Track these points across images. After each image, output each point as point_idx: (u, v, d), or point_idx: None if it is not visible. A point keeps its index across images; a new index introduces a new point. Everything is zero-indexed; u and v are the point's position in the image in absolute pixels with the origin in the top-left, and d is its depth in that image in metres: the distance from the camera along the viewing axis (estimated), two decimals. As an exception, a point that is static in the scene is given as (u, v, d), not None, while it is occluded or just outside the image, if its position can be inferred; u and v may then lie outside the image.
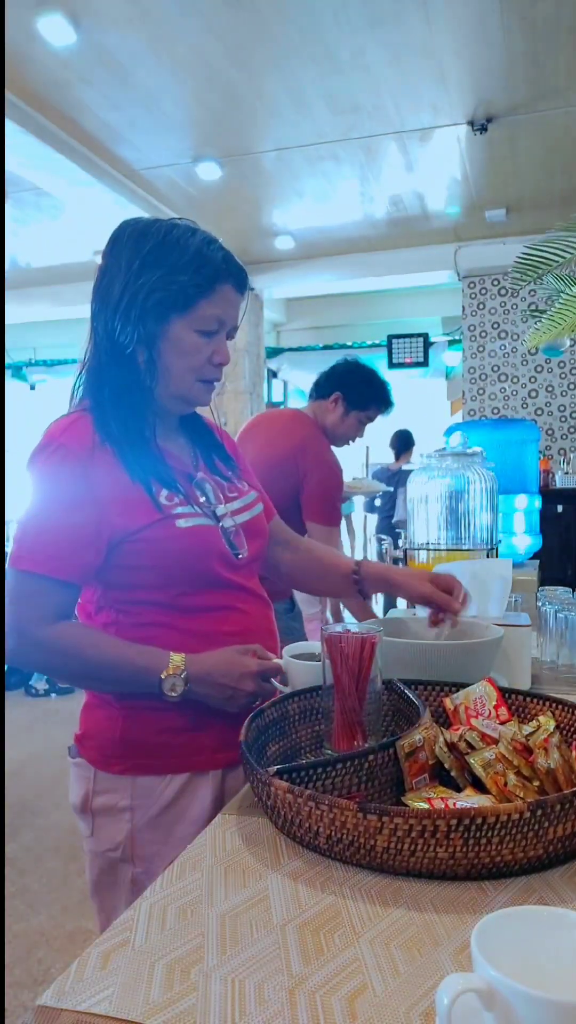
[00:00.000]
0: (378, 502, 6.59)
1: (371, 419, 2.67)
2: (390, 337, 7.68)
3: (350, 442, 2.68)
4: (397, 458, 6.67)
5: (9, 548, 1.12)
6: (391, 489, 6.02)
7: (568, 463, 6.13)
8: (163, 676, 1.08)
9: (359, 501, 6.80)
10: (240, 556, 1.21)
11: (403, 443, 6.67)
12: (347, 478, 3.36)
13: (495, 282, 6.64)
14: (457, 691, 1.08)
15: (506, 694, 1.07)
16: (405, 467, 6.23)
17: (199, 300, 1.13)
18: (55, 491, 1.10)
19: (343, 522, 3.52)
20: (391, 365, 7.56)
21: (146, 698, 1.12)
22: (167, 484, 1.15)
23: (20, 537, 1.10)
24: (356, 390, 2.61)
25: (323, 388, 2.64)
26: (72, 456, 1.09)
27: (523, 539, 2.86)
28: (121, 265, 1.14)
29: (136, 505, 1.11)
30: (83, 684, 1.19)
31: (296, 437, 2.57)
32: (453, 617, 1.27)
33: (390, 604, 5.33)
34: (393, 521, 6.43)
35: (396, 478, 6.19)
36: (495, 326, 6.70)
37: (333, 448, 2.66)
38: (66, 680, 1.20)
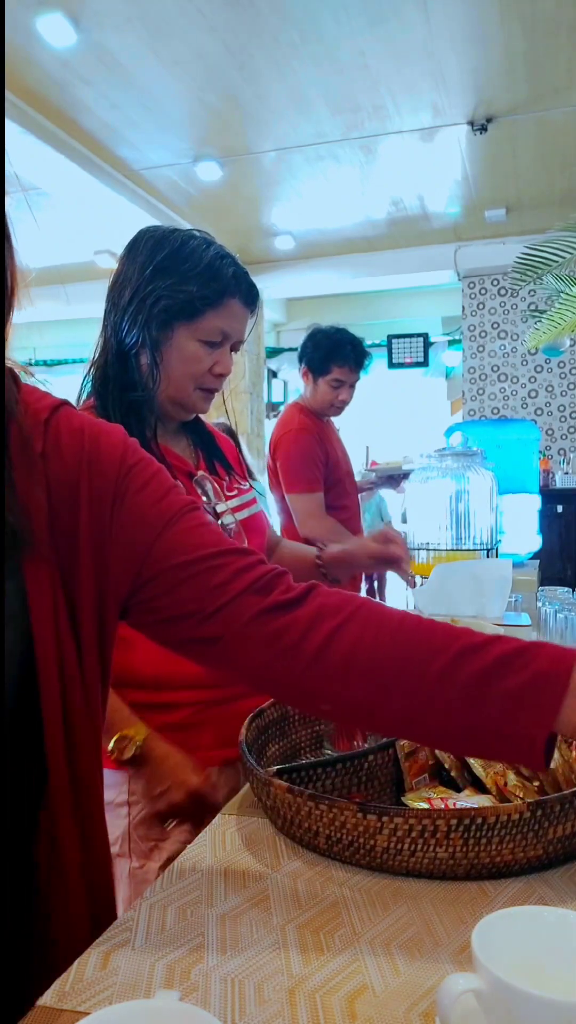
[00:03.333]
0: None
1: (344, 380, 2.60)
2: (390, 337, 7.67)
3: (335, 409, 2.65)
4: None
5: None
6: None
7: (568, 463, 6.13)
8: (122, 733, 1.09)
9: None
10: None
11: None
12: (380, 461, 3.29)
13: (495, 282, 6.64)
14: (457, 691, 1.08)
15: (506, 694, 1.07)
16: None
17: (206, 311, 1.16)
18: None
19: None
20: (391, 365, 7.55)
21: (141, 694, 1.14)
22: None
23: None
24: (311, 356, 2.61)
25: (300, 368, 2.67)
26: None
27: (523, 539, 2.86)
28: (135, 270, 1.17)
29: None
30: None
31: (273, 436, 2.63)
32: (401, 564, 1.34)
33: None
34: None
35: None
36: (495, 326, 6.69)
37: (335, 421, 2.69)
38: None
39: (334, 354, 2.58)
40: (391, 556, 1.36)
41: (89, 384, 1.22)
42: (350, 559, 1.42)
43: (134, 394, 1.18)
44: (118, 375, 1.18)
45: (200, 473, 1.26)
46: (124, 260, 1.20)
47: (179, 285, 1.14)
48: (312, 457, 2.57)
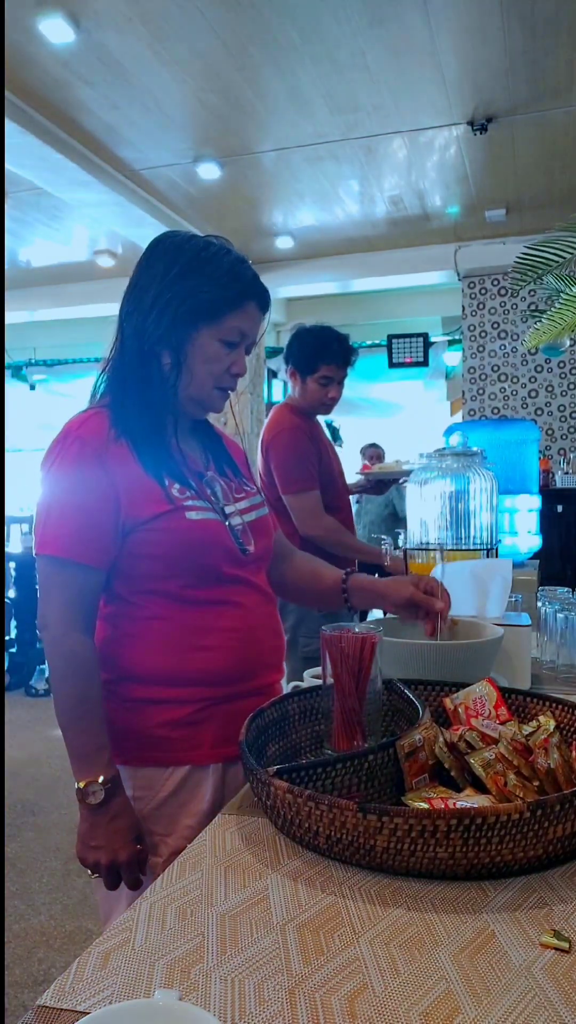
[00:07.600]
0: None
1: (332, 378, 2.57)
2: (390, 337, 7.66)
3: (325, 407, 2.62)
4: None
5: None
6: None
7: (568, 463, 6.12)
8: (90, 779, 1.10)
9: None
10: (247, 552, 1.24)
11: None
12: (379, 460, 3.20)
13: (495, 282, 6.64)
14: (457, 691, 1.08)
15: (506, 694, 1.07)
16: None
17: (227, 313, 1.20)
18: (73, 480, 1.14)
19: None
20: (391, 365, 7.54)
21: (146, 689, 1.16)
22: (179, 479, 1.20)
23: (42, 525, 1.14)
24: (298, 356, 2.60)
25: (287, 368, 2.65)
26: (89, 448, 1.14)
27: (523, 539, 2.86)
28: (156, 273, 1.20)
29: (149, 496, 1.15)
30: (57, 697, 1.17)
31: (264, 437, 2.61)
32: (441, 617, 1.26)
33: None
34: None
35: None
36: (495, 326, 6.69)
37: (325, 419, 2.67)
38: (52, 681, 1.19)
39: (321, 352, 2.56)
40: (431, 608, 1.25)
41: (103, 384, 1.25)
42: (380, 595, 1.33)
43: (152, 393, 1.21)
44: (138, 375, 1.21)
45: (210, 474, 1.28)
46: (142, 265, 1.23)
47: (203, 287, 1.18)
48: (307, 456, 2.55)
